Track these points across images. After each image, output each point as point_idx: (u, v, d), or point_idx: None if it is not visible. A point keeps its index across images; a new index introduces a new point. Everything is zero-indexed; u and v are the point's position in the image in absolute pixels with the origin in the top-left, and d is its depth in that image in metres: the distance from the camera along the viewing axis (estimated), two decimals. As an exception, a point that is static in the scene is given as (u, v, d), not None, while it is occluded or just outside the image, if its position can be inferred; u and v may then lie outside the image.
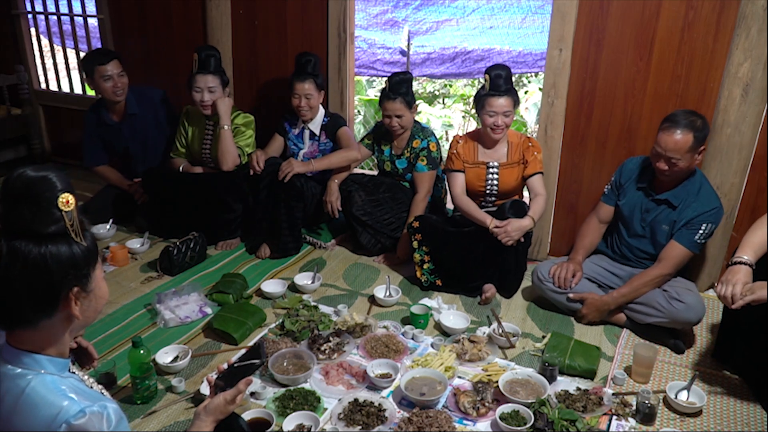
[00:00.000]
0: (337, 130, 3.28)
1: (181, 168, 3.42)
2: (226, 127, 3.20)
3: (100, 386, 1.28)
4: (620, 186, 2.69)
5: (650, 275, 2.52)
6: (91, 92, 4.06)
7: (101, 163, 3.64)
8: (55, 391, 1.09)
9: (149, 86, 3.67)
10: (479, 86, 2.90)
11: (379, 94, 3.18)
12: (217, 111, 3.21)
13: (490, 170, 2.92)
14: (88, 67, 3.35)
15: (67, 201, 1.08)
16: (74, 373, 1.21)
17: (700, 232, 2.45)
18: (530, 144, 2.91)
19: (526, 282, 2.96)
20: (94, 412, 1.07)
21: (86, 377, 1.26)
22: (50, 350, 1.14)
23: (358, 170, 3.48)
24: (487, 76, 2.80)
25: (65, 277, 1.09)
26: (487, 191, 2.95)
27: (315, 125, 3.32)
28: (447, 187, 3.21)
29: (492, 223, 2.72)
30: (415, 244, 2.92)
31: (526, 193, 3.04)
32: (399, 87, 3.08)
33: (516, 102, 2.86)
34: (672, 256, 2.50)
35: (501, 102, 2.77)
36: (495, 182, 2.93)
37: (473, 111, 3.00)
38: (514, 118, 3.01)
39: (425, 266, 2.93)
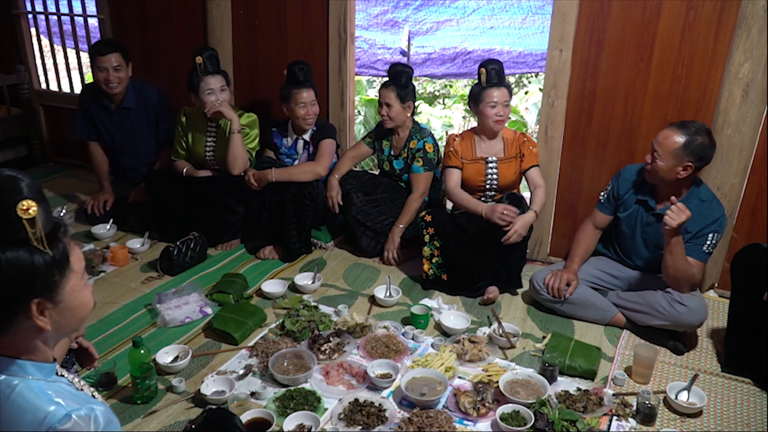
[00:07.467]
0: (322, 139, 3.22)
1: (184, 171, 3.38)
2: (237, 132, 3.13)
3: (92, 388, 1.26)
4: (619, 197, 2.67)
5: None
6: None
7: (90, 138, 3.62)
8: (41, 396, 1.07)
9: (148, 85, 3.65)
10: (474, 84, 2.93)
11: (378, 94, 3.18)
12: (224, 116, 3.14)
13: (489, 165, 2.94)
14: (90, 54, 3.38)
15: (27, 208, 1.02)
16: (63, 376, 1.19)
17: (708, 242, 2.46)
18: (525, 139, 2.95)
19: (526, 284, 2.95)
20: (81, 416, 1.05)
21: (76, 380, 1.23)
22: (31, 356, 1.11)
23: (357, 168, 3.48)
24: (483, 70, 2.83)
25: (21, 286, 1.04)
26: (487, 186, 2.96)
27: (307, 134, 3.28)
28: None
29: (485, 210, 2.74)
30: (426, 237, 2.90)
31: (525, 193, 3.04)
32: (397, 77, 3.10)
33: (510, 94, 2.94)
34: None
35: (500, 92, 2.82)
36: (495, 177, 2.94)
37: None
38: (515, 119, 3.02)
39: (434, 260, 2.92)
